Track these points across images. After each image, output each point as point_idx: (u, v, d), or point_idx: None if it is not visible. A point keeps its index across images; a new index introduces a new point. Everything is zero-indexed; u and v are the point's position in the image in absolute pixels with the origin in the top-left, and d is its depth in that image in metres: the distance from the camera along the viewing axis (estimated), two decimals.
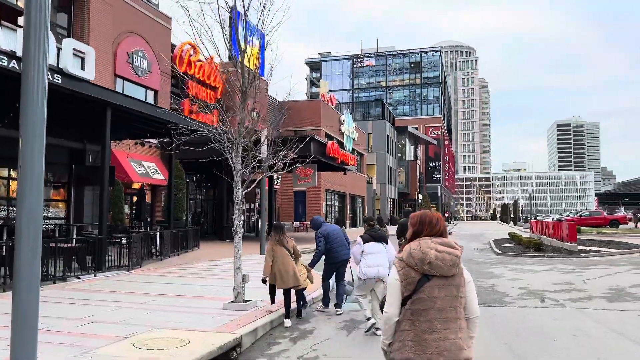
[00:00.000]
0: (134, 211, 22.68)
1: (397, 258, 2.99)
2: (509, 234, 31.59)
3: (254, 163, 8.73)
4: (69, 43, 13.06)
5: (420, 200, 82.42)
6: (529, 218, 60.22)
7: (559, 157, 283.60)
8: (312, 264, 8.71)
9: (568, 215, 64.07)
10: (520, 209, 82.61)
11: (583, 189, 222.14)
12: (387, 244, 7.60)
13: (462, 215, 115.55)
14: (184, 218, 24.45)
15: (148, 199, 24.61)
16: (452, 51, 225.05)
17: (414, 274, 2.85)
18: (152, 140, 24.86)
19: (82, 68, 13.22)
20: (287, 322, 7.78)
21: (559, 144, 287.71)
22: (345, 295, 8.81)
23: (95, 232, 16.58)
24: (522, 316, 8.41)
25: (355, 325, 7.85)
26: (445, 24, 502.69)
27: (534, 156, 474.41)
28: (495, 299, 10.04)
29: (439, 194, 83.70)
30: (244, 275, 8.62)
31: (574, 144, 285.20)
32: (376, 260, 7.27)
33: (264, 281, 8.07)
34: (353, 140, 49.10)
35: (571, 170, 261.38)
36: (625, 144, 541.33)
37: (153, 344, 6.10)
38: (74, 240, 13.50)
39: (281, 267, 7.86)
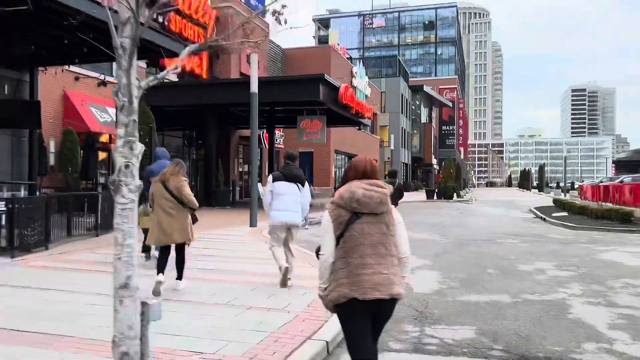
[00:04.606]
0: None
1: (329, 202, 3.01)
2: (554, 200, 27.97)
3: None
4: None
5: (434, 166, 76.78)
6: (566, 184, 54.44)
7: (572, 123, 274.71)
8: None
9: (601, 182, 58.45)
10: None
11: (600, 155, 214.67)
12: (302, 186, 6.22)
13: (474, 182, 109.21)
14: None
15: None
16: (465, 12, 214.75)
17: (345, 213, 2.92)
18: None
19: None
20: (161, 277, 5.81)
21: (572, 109, 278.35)
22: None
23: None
24: None
25: None
26: None
27: (545, 123, 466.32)
28: None
29: (460, 159, 78.08)
30: (145, 305, 3.25)
31: (588, 109, 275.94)
32: (286, 204, 6.04)
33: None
34: (366, 96, 43.28)
35: (585, 136, 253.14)
36: (638, 111, 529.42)
37: None
38: None
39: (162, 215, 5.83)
